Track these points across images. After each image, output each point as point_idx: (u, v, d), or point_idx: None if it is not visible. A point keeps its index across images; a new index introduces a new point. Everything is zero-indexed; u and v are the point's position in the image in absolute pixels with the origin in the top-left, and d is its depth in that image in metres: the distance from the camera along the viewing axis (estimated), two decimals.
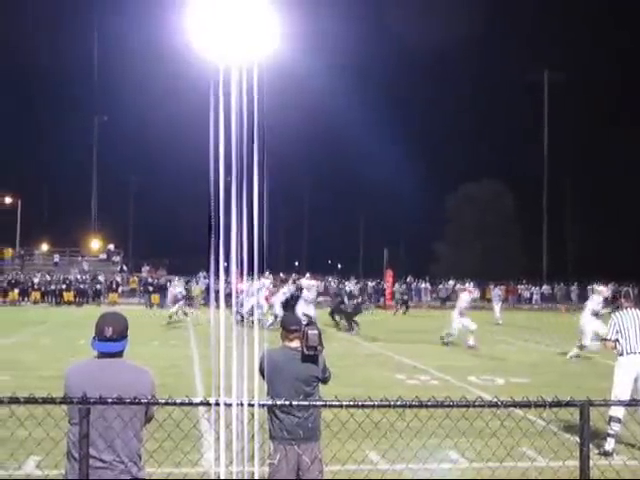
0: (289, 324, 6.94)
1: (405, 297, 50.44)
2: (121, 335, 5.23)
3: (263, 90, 4.78)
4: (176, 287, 37.97)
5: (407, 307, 48.45)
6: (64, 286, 51.88)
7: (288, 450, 6.53)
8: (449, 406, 4.36)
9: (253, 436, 4.87)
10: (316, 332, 6.63)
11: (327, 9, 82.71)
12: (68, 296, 51.27)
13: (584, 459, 4.45)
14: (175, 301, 36.06)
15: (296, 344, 6.74)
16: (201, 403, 4.67)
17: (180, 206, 78.94)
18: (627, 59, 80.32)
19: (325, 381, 6.87)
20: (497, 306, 40.68)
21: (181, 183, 79.40)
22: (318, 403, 5.84)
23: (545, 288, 68.73)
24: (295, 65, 60.91)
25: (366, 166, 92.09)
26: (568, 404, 4.47)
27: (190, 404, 4.57)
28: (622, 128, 77.26)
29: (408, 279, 62.80)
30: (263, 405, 4.79)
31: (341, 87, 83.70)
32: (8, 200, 72.46)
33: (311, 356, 6.63)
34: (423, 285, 64.84)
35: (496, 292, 43.60)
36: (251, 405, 4.49)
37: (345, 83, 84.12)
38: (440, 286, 64.17)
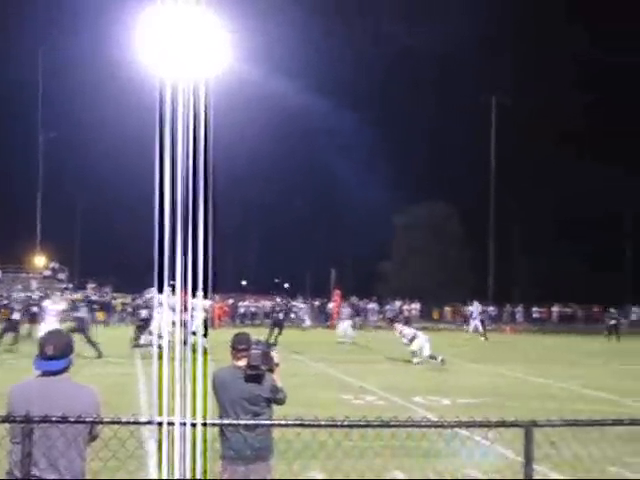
0: (237, 343, 6.91)
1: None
2: (63, 353, 5.15)
3: (211, 106, 4.75)
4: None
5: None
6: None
7: (236, 470, 6.48)
8: (395, 426, 4.35)
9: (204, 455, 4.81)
10: (259, 352, 6.59)
11: (286, 26, 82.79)
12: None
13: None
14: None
15: (243, 363, 6.71)
16: (147, 422, 4.61)
17: (127, 223, 78.29)
18: (577, 83, 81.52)
19: (278, 402, 6.81)
20: (476, 322, 40.69)
21: (128, 200, 78.76)
22: (263, 422, 5.79)
23: (491, 309, 69.25)
24: (251, 80, 61.04)
25: (315, 185, 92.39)
26: (513, 425, 4.49)
27: (136, 423, 4.50)
28: (570, 152, 78.49)
29: (353, 299, 62.93)
30: (205, 424, 4.73)
31: (296, 105, 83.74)
32: None
33: (255, 375, 6.59)
34: (370, 305, 64.94)
35: (475, 308, 43.25)
36: (194, 425, 4.44)
37: (300, 101, 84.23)
38: (387, 306, 64.31)
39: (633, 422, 4.68)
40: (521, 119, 78.56)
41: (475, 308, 42.33)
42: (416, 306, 63.36)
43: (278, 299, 43.77)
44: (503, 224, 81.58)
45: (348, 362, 26.34)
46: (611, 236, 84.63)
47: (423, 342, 25.69)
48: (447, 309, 70.05)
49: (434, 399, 17.09)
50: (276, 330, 32.61)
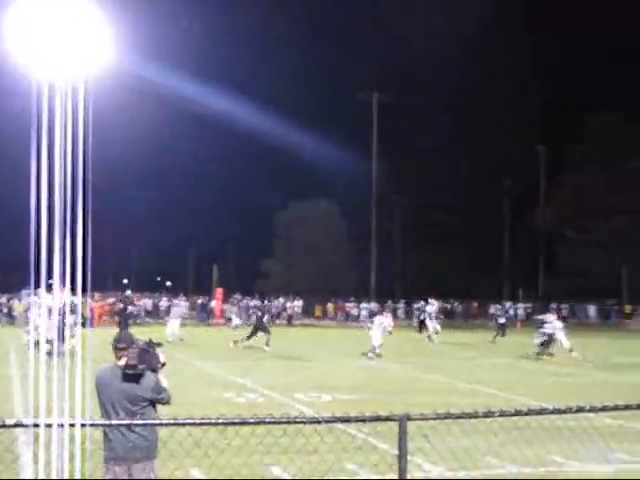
0: (117, 342, 6.84)
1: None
2: None
3: (90, 105, 4.71)
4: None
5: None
6: None
7: (119, 470, 6.44)
8: (271, 423, 4.41)
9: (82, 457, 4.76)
10: (136, 350, 6.54)
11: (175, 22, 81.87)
12: None
13: (402, 472, 4.58)
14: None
15: (124, 362, 6.65)
16: (17, 425, 4.54)
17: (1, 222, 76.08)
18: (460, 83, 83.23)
19: (161, 402, 6.74)
20: (433, 322, 39.06)
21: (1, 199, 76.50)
22: (138, 422, 5.77)
23: (373, 305, 70.00)
24: (135, 77, 60.02)
25: (197, 182, 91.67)
26: (387, 419, 4.60)
27: (3, 426, 4.43)
28: (449, 151, 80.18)
29: (236, 296, 62.76)
30: (84, 425, 4.69)
31: (181, 100, 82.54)
32: None
33: (132, 375, 6.54)
34: (252, 302, 64.79)
35: (431, 307, 40.89)
36: (72, 426, 4.40)
37: (186, 97, 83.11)
38: (270, 303, 64.29)
39: (502, 414, 4.86)
40: (404, 117, 79.82)
41: (430, 307, 40.07)
42: (299, 303, 63.56)
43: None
44: (385, 221, 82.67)
45: (232, 360, 26.30)
46: (489, 234, 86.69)
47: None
48: (330, 306, 70.49)
49: (315, 395, 17.22)
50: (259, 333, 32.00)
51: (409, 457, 4.79)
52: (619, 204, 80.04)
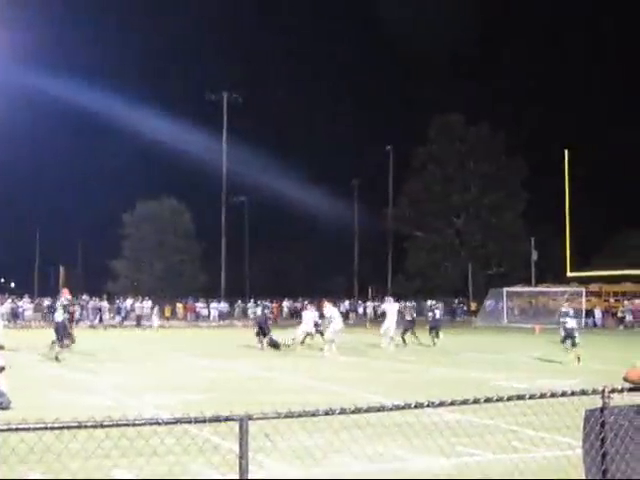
0: None
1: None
2: None
3: None
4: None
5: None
6: None
7: None
8: (108, 426, 4.29)
9: None
10: None
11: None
12: None
13: (243, 472, 4.55)
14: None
15: None
16: None
17: None
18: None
19: (1, 407, 6.52)
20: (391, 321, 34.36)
21: None
22: None
23: (223, 305, 69.86)
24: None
25: (41, 181, 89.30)
26: (227, 419, 4.55)
27: None
28: (299, 149, 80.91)
29: (84, 297, 61.49)
30: None
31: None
32: None
33: None
34: (101, 303, 63.55)
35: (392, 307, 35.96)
36: None
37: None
38: (118, 302, 63.25)
39: (343, 411, 4.88)
40: (252, 116, 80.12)
41: (390, 306, 35.18)
42: (148, 304, 62.74)
43: None
44: (235, 220, 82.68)
45: (79, 362, 25.65)
46: (339, 234, 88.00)
47: None
48: (179, 306, 69.90)
49: (165, 397, 17.00)
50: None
51: (252, 457, 4.77)
52: (463, 204, 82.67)
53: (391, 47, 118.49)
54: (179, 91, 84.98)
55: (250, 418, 4.57)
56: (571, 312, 28.38)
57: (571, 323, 27.31)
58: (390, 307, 34.04)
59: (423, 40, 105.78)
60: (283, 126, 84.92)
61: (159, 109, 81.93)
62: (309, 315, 33.29)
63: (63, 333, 26.30)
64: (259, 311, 37.02)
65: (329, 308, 31.00)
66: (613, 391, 5.83)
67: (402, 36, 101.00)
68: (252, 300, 69.95)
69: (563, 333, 27.18)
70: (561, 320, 28.37)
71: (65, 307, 27.28)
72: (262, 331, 32.10)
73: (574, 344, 26.37)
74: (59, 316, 26.74)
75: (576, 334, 26.75)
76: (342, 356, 28.02)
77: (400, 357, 28.55)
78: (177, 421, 4.46)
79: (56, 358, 25.52)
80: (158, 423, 4.43)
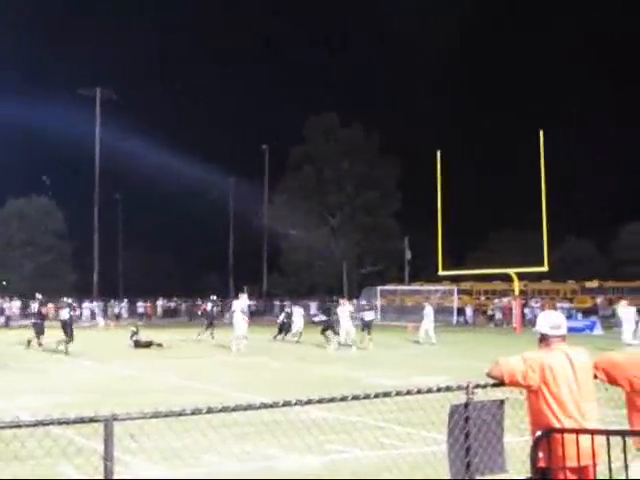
0: None
1: None
2: None
3: None
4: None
5: None
6: None
7: None
8: None
9: None
10: None
11: None
12: None
13: (108, 473, 4.49)
14: None
15: None
16: None
17: None
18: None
19: None
20: (348, 324, 33.58)
21: None
22: None
23: (95, 304, 68.69)
24: None
25: None
26: (92, 420, 4.48)
27: None
28: (175, 148, 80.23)
29: None
30: None
31: None
32: None
33: None
34: None
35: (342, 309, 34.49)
36: None
37: None
38: None
39: (210, 410, 4.87)
40: (126, 112, 79.04)
41: (343, 308, 33.84)
42: (17, 304, 61.10)
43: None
44: (108, 220, 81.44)
45: None
46: (216, 233, 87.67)
47: None
48: (50, 306, 68.23)
49: (32, 398, 16.60)
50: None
51: (118, 458, 4.70)
52: (338, 203, 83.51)
53: (269, 46, 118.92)
54: (51, 85, 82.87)
55: (115, 419, 4.52)
56: (367, 307, 36.71)
57: (368, 316, 33.89)
58: (342, 310, 33.57)
59: (301, 39, 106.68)
60: (159, 123, 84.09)
61: (30, 104, 79.85)
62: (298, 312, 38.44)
63: None
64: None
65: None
66: (477, 387, 5.99)
67: (281, 34, 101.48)
68: (125, 300, 69.07)
69: (361, 324, 33.73)
70: (360, 314, 35.46)
71: None
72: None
73: (369, 332, 33.05)
74: None
75: (371, 325, 33.65)
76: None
77: (284, 356, 28.63)
78: (38, 423, 4.36)
79: None
80: (19, 426, 4.33)
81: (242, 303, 32.42)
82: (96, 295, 72.41)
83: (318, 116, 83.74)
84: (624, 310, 35.37)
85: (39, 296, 37.71)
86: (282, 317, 39.61)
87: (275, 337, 37.78)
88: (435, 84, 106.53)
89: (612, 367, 6.14)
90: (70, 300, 29.11)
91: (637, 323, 35.35)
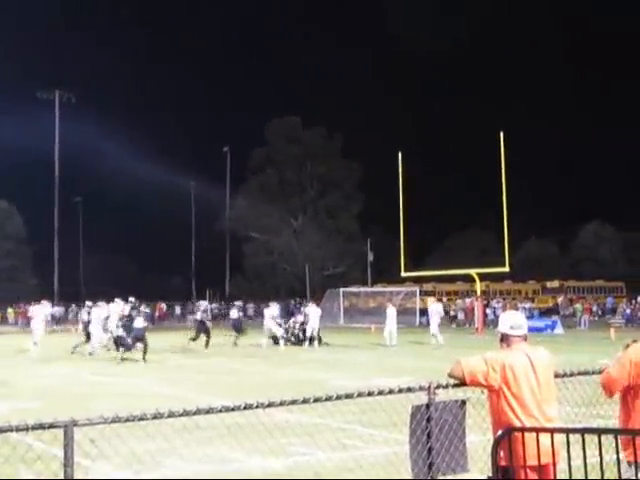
0: None
1: None
2: None
3: None
4: None
5: None
6: None
7: None
8: None
9: None
10: None
11: None
12: None
13: (68, 478, 4.46)
14: None
15: None
16: None
17: None
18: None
19: None
20: (315, 322, 34.57)
21: None
22: None
23: (57, 309, 68.06)
24: None
25: None
26: (52, 426, 4.44)
27: None
28: (136, 149, 79.78)
29: None
30: None
31: None
32: None
33: None
34: None
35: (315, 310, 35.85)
36: None
37: None
38: None
39: (171, 414, 4.84)
40: (86, 115, 78.45)
41: (313, 309, 35.26)
42: None
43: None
44: (69, 223, 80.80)
45: None
46: (179, 236, 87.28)
47: None
48: (10, 311, 67.69)
49: None
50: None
51: (78, 463, 4.67)
52: (301, 205, 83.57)
53: (232, 47, 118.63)
54: (9, 89, 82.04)
55: (75, 424, 4.48)
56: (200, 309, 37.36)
57: (233, 314, 37.01)
58: (313, 310, 35.44)
59: (261, 41, 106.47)
60: (119, 125, 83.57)
61: None
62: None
63: None
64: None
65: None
66: (438, 387, 6.02)
67: (244, 36, 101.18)
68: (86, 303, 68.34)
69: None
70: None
71: None
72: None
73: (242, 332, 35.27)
74: None
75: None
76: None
77: (248, 359, 28.57)
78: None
79: None
80: None
81: (273, 311, 35.38)
82: (57, 300, 71.74)
83: (280, 119, 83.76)
84: None
85: None
86: (295, 319, 37.42)
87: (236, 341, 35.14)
88: (397, 86, 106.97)
89: (612, 382, 6.06)
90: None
91: None
